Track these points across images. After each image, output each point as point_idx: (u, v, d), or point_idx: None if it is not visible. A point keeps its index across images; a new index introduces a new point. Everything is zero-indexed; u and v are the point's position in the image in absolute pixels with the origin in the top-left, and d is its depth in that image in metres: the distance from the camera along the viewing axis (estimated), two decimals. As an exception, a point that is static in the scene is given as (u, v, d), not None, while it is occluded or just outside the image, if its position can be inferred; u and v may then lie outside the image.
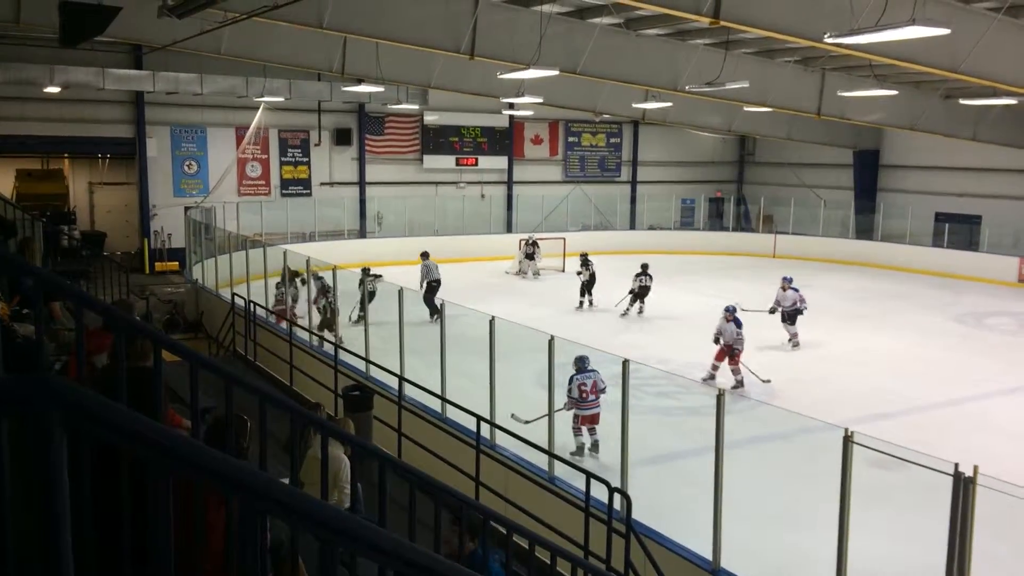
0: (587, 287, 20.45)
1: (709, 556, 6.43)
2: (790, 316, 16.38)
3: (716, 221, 34.26)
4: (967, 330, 18.57)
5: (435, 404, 9.61)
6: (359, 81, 20.73)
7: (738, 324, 13.73)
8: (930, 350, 16.59)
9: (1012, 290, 23.69)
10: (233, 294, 14.89)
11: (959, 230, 27.37)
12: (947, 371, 14.97)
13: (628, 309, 19.53)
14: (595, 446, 10.22)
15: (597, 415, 10.14)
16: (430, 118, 29.85)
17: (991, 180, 27.53)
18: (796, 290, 16.54)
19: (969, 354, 16.38)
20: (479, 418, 7.90)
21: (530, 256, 25.51)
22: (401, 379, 9.50)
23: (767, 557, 7.73)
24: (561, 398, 9.33)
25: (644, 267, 19.77)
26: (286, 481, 3.64)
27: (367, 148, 29.29)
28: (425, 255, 19.47)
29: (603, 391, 10.16)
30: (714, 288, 23.56)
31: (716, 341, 13.89)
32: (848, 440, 5.40)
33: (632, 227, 32.96)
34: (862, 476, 6.90)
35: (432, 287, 18.36)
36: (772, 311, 16.55)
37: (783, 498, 9.26)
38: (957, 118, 23.80)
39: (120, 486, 1.81)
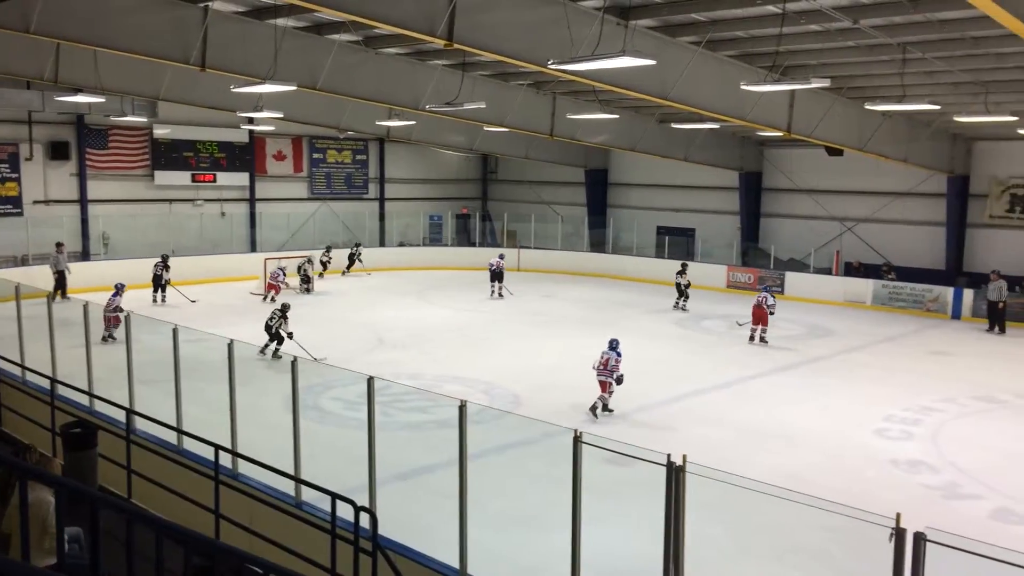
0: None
1: (456, 564, 6.58)
2: (497, 276, 24.95)
3: (463, 237, 35.24)
4: (686, 332, 20.49)
5: (171, 436, 9.03)
6: (76, 91, 19.06)
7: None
8: (656, 352, 18.11)
9: (722, 295, 26.48)
10: (-75, 328, 13.05)
11: (677, 242, 30.23)
12: (671, 370, 16.42)
13: (678, 304, 23.54)
14: (604, 407, 13.15)
15: (602, 382, 13.15)
16: (161, 131, 28.02)
17: (702, 197, 30.71)
18: (502, 258, 25.48)
19: (688, 354, 18.09)
20: (217, 447, 7.53)
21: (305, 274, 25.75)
22: (129, 412, 8.83)
23: (514, 558, 8.05)
24: (305, 422, 9.09)
25: (684, 266, 24.05)
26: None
27: (89, 163, 26.90)
28: (58, 245, 22.82)
29: (617, 377, 13.10)
30: (463, 302, 24.20)
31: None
32: (577, 441, 5.77)
33: (382, 244, 33.03)
34: (602, 474, 7.40)
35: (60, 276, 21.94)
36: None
37: (530, 500, 9.68)
38: (671, 141, 26.33)
39: None
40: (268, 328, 16.45)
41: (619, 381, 13.19)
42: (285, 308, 16.81)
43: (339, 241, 31.90)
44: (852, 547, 8.03)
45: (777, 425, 12.94)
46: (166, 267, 23.26)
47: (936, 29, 12.90)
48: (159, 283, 23.04)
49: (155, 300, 22.89)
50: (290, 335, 16.20)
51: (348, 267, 28.88)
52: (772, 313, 19.10)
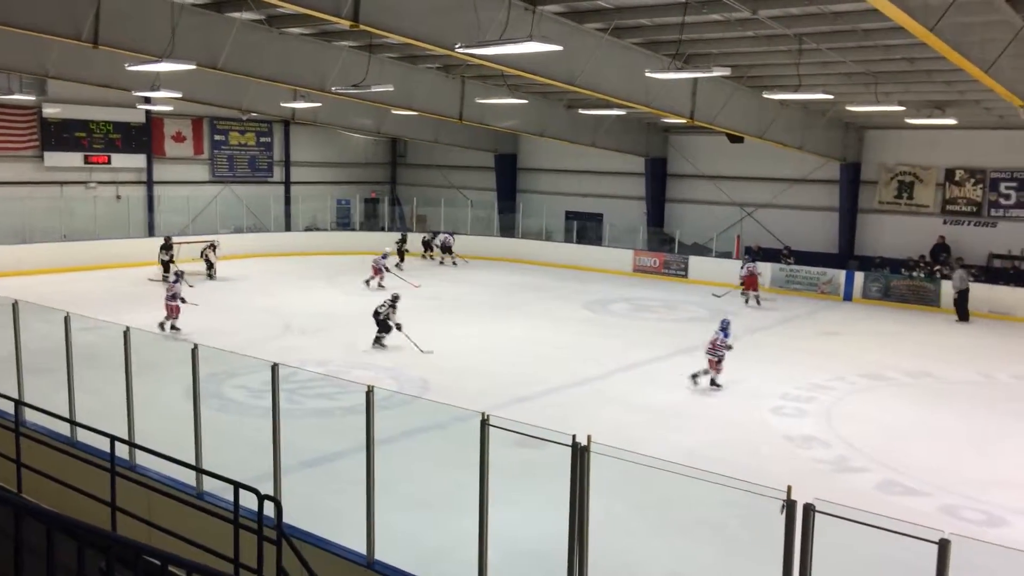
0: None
1: (364, 550, 6.56)
2: (445, 248, 29.08)
3: (372, 221, 34.84)
4: (594, 315, 20.83)
5: (64, 428, 8.69)
6: (-44, 66, 17.99)
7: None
8: (565, 335, 18.37)
9: (629, 279, 27.02)
10: None
11: (586, 227, 30.66)
12: (579, 353, 16.65)
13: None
14: (712, 381, 14.04)
15: (710, 360, 14.00)
16: (51, 111, 26.72)
17: (609, 182, 31.17)
18: (450, 234, 29.52)
19: (596, 337, 18.39)
20: (112, 438, 7.28)
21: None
22: (18, 403, 8.44)
23: (422, 542, 8.07)
24: (208, 411, 8.85)
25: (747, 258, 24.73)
26: None
27: (-28, 143, 25.46)
28: None
29: (718, 355, 13.89)
30: (372, 287, 23.96)
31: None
32: (484, 424, 5.82)
33: (288, 228, 32.36)
34: (511, 456, 7.47)
35: None
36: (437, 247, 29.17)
37: (439, 484, 9.70)
38: (579, 126, 26.61)
39: None
40: (376, 316, 16.36)
41: (720, 359, 14.02)
42: (396, 298, 16.59)
43: (244, 226, 31.16)
44: (748, 519, 8.36)
45: (680, 404, 13.32)
46: (165, 248, 23.86)
47: (830, 21, 13.40)
48: (166, 265, 23.54)
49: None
50: (398, 326, 16.17)
51: (425, 253, 29.97)
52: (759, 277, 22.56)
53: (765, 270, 25.40)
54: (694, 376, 14.18)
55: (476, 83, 22.55)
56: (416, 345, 15.94)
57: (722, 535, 8.69)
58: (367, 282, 23.49)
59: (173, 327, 16.95)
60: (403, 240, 28.59)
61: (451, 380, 14.24)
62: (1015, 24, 11.95)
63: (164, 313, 17.10)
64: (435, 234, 30.36)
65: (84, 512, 7.08)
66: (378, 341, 16.29)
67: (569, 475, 5.51)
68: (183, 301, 17.25)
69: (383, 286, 22.69)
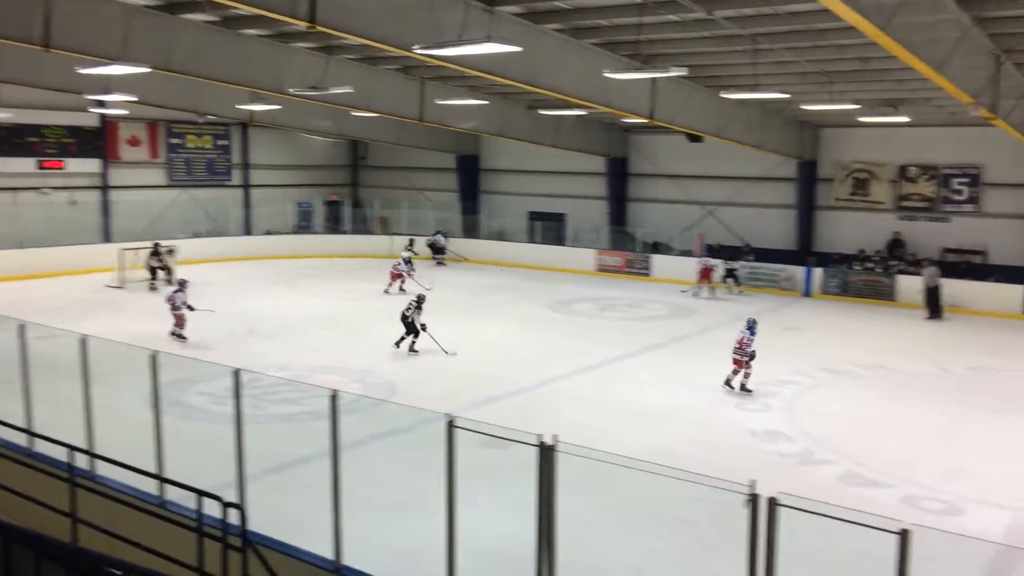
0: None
1: (331, 556, 6.51)
2: (439, 250, 29.37)
3: (334, 224, 34.55)
4: (558, 316, 20.89)
5: (20, 439, 8.51)
6: (-98, 71, 17.53)
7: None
8: (531, 336, 18.40)
9: (592, 278, 27.13)
10: None
11: (549, 227, 30.74)
12: (545, 353, 16.68)
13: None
14: (742, 387, 13.74)
15: (736, 360, 13.73)
16: (2, 115, 26.11)
17: (571, 182, 31.26)
18: (444, 235, 29.81)
19: (562, 336, 18.45)
20: (71, 448, 7.15)
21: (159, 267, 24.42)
22: (-29, 416, 8.27)
23: (390, 545, 8.03)
24: (169, 419, 8.73)
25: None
26: None
27: (-80, 150, 24.80)
28: None
29: (749, 353, 13.59)
30: (335, 290, 23.82)
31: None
32: (451, 425, 5.81)
33: (248, 232, 31.96)
34: (479, 458, 7.46)
35: None
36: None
37: (406, 487, 9.66)
38: (539, 127, 26.67)
39: None
40: (404, 319, 16.24)
41: (751, 357, 13.70)
42: (421, 299, 16.46)
43: (203, 230, 30.73)
44: (715, 514, 8.43)
45: (645, 402, 13.39)
46: (155, 254, 24.06)
47: (784, 21, 13.58)
48: (153, 271, 23.95)
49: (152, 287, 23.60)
50: (423, 327, 16.07)
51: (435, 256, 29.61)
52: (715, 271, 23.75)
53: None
54: (740, 385, 13.88)
55: (436, 84, 22.49)
56: (440, 346, 15.94)
57: (690, 531, 8.77)
58: (400, 288, 22.97)
59: (178, 335, 16.92)
60: (411, 244, 27.92)
61: (418, 383, 14.20)
62: (962, 23, 12.23)
63: (173, 322, 17.15)
64: (435, 234, 30.35)
65: (43, 524, 6.95)
66: (411, 347, 16.14)
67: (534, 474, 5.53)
68: (191, 308, 17.07)
69: (404, 290, 22.62)
